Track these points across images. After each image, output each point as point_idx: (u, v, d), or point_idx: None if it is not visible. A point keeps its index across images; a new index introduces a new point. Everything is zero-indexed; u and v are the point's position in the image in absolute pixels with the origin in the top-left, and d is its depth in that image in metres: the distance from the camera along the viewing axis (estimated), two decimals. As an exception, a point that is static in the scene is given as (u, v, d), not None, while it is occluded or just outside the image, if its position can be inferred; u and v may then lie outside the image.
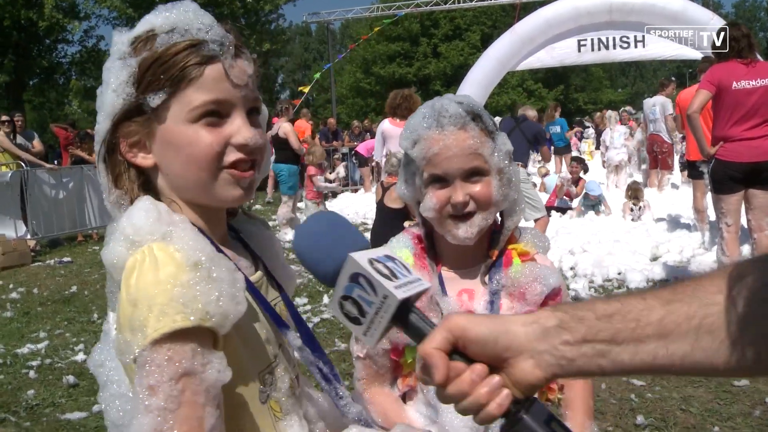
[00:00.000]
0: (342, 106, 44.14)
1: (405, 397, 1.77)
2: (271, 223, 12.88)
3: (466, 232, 1.65)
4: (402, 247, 1.76)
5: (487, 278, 1.72)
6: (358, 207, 14.13)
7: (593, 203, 11.42)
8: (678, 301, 0.85)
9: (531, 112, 9.82)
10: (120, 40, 1.22)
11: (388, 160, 8.43)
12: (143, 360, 1.02)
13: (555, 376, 0.89)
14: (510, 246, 1.78)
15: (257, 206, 16.91)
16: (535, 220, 8.20)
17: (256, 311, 1.27)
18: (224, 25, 1.24)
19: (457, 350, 0.89)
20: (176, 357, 1.02)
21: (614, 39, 17.64)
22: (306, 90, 21.40)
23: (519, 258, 1.75)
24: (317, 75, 22.52)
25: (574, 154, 16.98)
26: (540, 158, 14.59)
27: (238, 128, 1.20)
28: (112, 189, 1.23)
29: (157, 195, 1.24)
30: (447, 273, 1.75)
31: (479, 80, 17.68)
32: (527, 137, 8.73)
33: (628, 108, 25.74)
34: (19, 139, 11.87)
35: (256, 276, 1.33)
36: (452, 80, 40.81)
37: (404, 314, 0.96)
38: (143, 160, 1.22)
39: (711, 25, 15.10)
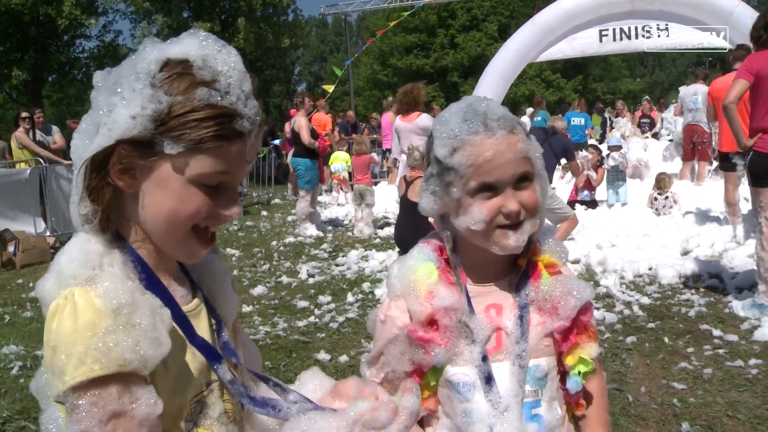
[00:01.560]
0: (359, 99, 44.02)
1: (423, 422, 1.67)
2: (290, 218, 12.89)
3: (517, 241, 1.54)
4: (425, 260, 1.64)
5: (515, 291, 1.63)
6: (380, 201, 14.02)
7: (617, 177, 11.27)
8: None
9: (560, 124, 9.79)
10: (151, 57, 1.18)
11: (410, 154, 8.34)
12: (70, 405, 1.07)
13: None
14: (536, 257, 1.67)
15: (276, 200, 16.86)
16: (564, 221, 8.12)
17: (185, 344, 1.26)
18: (255, 85, 1.26)
19: None
20: (101, 401, 1.07)
21: (636, 29, 17.38)
22: (330, 89, 21.23)
23: (546, 270, 1.65)
24: (339, 72, 22.34)
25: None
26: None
27: (231, 202, 1.24)
28: (86, 201, 1.20)
29: (123, 215, 1.24)
30: (472, 288, 1.64)
31: (499, 72, 17.51)
32: (555, 151, 8.76)
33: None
34: (39, 135, 11.86)
35: (191, 305, 1.33)
36: (470, 71, 40.59)
37: None
38: (127, 186, 1.20)
39: (736, 13, 14.84)
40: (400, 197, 8.04)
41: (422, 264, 1.63)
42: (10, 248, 9.85)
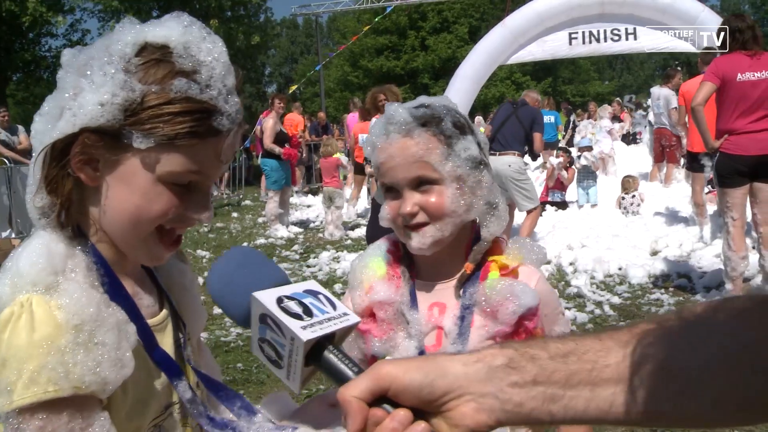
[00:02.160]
0: (329, 100, 43.92)
1: None
2: (261, 220, 12.81)
3: (418, 242, 1.57)
4: (376, 254, 1.70)
5: (461, 292, 1.62)
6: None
7: (587, 176, 11.36)
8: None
9: (533, 95, 9.33)
10: (128, 40, 1.08)
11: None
12: (12, 428, 0.96)
13: (500, 423, 0.78)
14: (491, 257, 1.65)
15: (247, 201, 16.74)
16: (528, 212, 8.15)
17: (147, 361, 1.16)
18: (239, 79, 1.16)
19: (387, 399, 0.78)
20: (50, 426, 0.97)
21: (605, 32, 17.57)
22: (293, 88, 21.32)
23: (499, 271, 1.62)
24: (309, 74, 22.41)
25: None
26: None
27: (201, 205, 1.15)
28: (43, 193, 1.09)
29: (83, 211, 1.14)
30: (421, 284, 1.66)
31: (469, 75, 17.57)
32: (523, 124, 8.37)
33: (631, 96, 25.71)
34: (3, 135, 11.64)
35: (159, 317, 1.23)
36: (440, 73, 40.72)
37: (319, 355, 0.87)
38: (88, 178, 1.10)
39: (701, 17, 15.10)
40: (371, 199, 8.05)
41: (373, 259, 1.69)
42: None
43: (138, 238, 1.12)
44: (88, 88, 1.05)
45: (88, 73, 1.06)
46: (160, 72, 1.06)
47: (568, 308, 6.23)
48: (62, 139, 1.06)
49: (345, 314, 0.94)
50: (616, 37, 17.66)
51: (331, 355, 0.86)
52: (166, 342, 1.22)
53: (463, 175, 1.55)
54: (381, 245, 1.72)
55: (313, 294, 0.96)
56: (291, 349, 0.87)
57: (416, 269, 1.68)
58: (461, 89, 17.76)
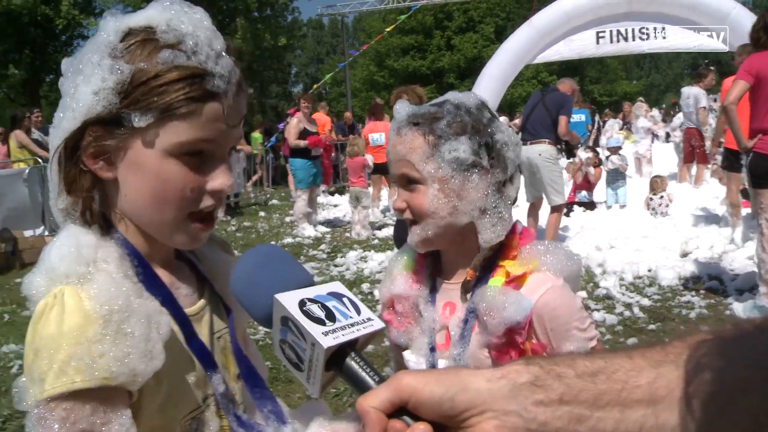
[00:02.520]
0: (355, 100, 44.02)
1: None
2: (288, 219, 12.87)
3: (411, 239, 1.60)
4: (408, 252, 1.74)
5: (468, 295, 1.60)
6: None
7: (617, 177, 11.24)
8: (669, 363, 0.73)
9: (567, 83, 8.69)
10: (111, 29, 1.08)
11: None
12: (38, 415, 0.97)
13: None
14: (503, 262, 1.60)
15: (274, 201, 16.83)
16: (552, 208, 8.11)
17: (185, 350, 1.16)
18: (231, 46, 1.14)
19: (407, 411, 0.75)
20: (73, 416, 0.97)
21: (633, 31, 17.41)
22: (315, 87, 21.51)
23: (504, 276, 1.57)
24: (328, 77, 22.59)
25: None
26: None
27: (218, 173, 1.12)
28: (63, 194, 1.11)
29: (108, 206, 1.14)
30: (446, 284, 1.67)
31: (496, 74, 17.51)
32: (550, 110, 8.01)
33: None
34: (37, 135, 11.82)
35: (196, 306, 1.23)
36: (466, 73, 40.62)
37: (341, 360, 0.85)
38: (104, 172, 1.10)
39: (733, 14, 14.89)
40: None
41: (407, 254, 1.74)
42: (8, 248, 9.82)
43: (167, 221, 1.12)
44: (82, 83, 1.07)
45: (81, 68, 1.08)
46: (146, 50, 1.06)
47: (597, 310, 6.19)
48: (70, 137, 1.08)
49: (369, 319, 0.92)
50: (644, 36, 17.50)
51: (352, 362, 0.85)
52: (203, 332, 1.22)
53: (446, 177, 1.52)
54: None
55: (338, 297, 0.94)
56: (312, 354, 0.86)
57: (441, 267, 1.69)
58: (487, 89, 17.70)
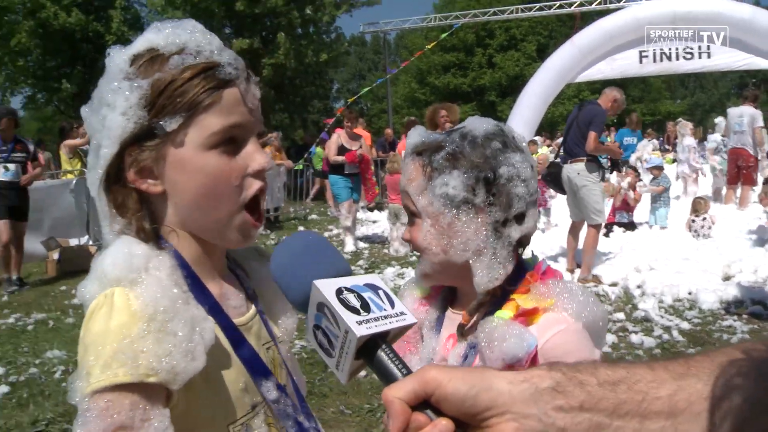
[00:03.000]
0: (396, 116, 44.21)
1: None
2: (327, 234, 12.94)
3: (415, 273, 1.59)
4: None
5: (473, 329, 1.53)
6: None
7: (657, 197, 11.11)
8: (691, 377, 0.73)
9: (609, 95, 8.16)
10: (119, 59, 1.17)
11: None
12: (83, 407, 1.02)
13: None
14: (515, 296, 1.49)
15: (314, 216, 16.96)
16: (590, 226, 8.01)
17: (232, 358, 1.20)
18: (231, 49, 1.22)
19: (430, 404, 0.77)
20: (113, 409, 1.01)
21: (677, 50, 17.21)
22: (351, 100, 21.79)
23: (514, 310, 1.45)
24: (364, 90, 22.87)
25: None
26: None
27: (253, 155, 1.19)
28: (116, 217, 1.17)
29: (158, 221, 1.20)
30: (454, 315, 1.59)
31: (537, 93, 17.43)
32: (581, 127, 7.75)
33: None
34: (86, 148, 12.14)
35: (245, 317, 1.27)
36: (507, 91, 40.51)
37: (372, 352, 0.87)
38: (152, 186, 1.16)
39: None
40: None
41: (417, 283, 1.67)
42: (54, 256, 10.08)
43: (222, 217, 1.18)
44: (108, 112, 1.13)
45: (102, 101, 1.15)
46: (156, 63, 1.14)
47: (635, 332, 6.12)
48: (112, 164, 1.15)
49: (402, 313, 0.93)
50: (689, 56, 17.26)
51: (382, 354, 0.86)
52: (253, 343, 1.25)
53: (436, 213, 1.45)
54: None
55: (374, 289, 0.95)
56: (344, 342, 0.87)
57: (455, 297, 1.62)
58: (529, 107, 17.63)
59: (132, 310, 1.05)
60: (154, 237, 1.18)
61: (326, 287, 0.90)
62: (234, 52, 1.20)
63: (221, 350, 1.16)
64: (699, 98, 65.26)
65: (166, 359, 1.03)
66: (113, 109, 1.13)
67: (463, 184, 1.43)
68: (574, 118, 7.96)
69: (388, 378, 0.84)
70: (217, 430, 1.16)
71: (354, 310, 0.88)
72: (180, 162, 1.14)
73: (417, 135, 1.55)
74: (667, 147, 20.52)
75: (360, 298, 0.92)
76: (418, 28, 32.40)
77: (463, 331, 1.52)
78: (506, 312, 1.45)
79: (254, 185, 1.19)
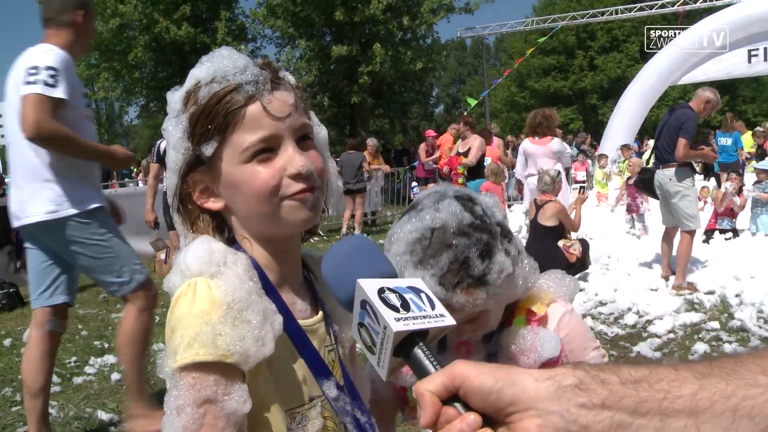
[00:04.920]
0: (496, 120, 43.96)
1: None
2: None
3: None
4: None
5: (488, 337, 1.64)
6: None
7: (758, 203, 10.70)
8: (714, 376, 0.75)
9: (702, 96, 7.81)
10: (173, 99, 1.31)
11: (541, 178, 8.38)
12: (174, 382, 1.15)
13: None
14: (520, 301, 1.68)
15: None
16: (684, 232, 7.82)
17: (295, 353, 1.32)
18: (259, 62, 1.30)
19: (459, 398, 0.80)
20: (199, 384, 1.14)
21: (790, 48, 16.45)
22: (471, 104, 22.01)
23: (525, 316, 1.64)
24: (473, 102, 22.97)
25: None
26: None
27: (290, 158, 1.25)
28: (190, 233, 1.32)
29: (231, 233, 1.35)
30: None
31: (639, 95, 17.09)
32: (672, 133, 7.59)
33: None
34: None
35: (312, 320, 1.38)
36: (609, 94, 39.59)
37: (409, 349, 0.91)
38: (214, 204, 1.31)
39: None
40: (530, 220, 8.11)
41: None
42: (161, 256, 10.71)
43: (269, 211, 1.27)
44: (168, 148, 1.31)
45: (165, 138, 1.32)
46: (194, 98, 1.27)
47: (729, 342, 5.98)
48: (177, 192, 1.32)
49: (441, 315, 0.97)
50: (805, 52, 16.47)
51: (419, 351, 0.90)
52: (315, 344, 1.36)
53: (499, 293, 1.60)
54: None
55: (416, 291, 0.99)
56: (383, 338, 0.92)
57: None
58: (630, 110, 17.30)
59: (213, 297, 1.18)
60: (228, 245, 1.32)
61: (369, 286, 0.96)
62: (260, 66, 1.29)
63: (286, 344, 1.28)
64: (819, 97, 61.49)
65: (240, 343, 1.15)
66: (169, 144, 1.31)
67: (507, 257, 1.55)
68: (665, 122, 7.79)
69: (422, 374, 0.88)
70: (277, 414, 1.28)
71: (394, 308, 0.93)
72: (228, 178, 1.27)
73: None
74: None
75: (401, 298, 0.97)
76: (516, 31, 32.14)
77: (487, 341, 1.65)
78: (520, 318, 1.62)
79: (293, 187, 1.26)
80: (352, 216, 14.13)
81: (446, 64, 59.95)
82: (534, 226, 8.00)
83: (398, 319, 0.91)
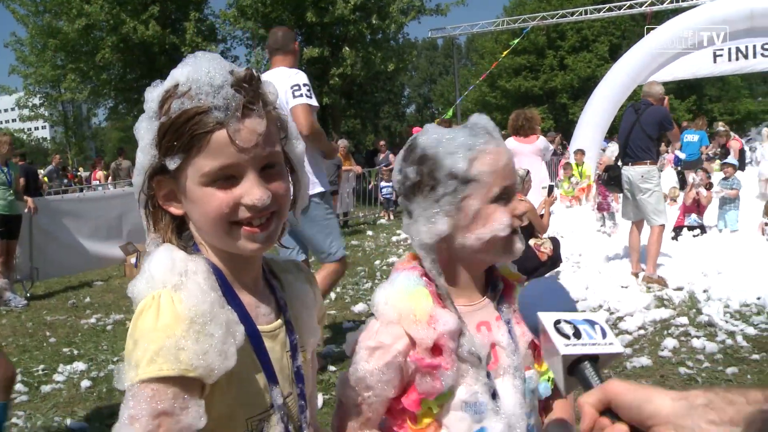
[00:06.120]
0: (466, 121, 44.07)
1: None
2: (395, 239, 13.10)
3: (520, 245, 1.58)
4: (417, 285, 1.60)
5: (499, 307, 1.65)
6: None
7: (727, 200, 10.89)
8: None
9: (656, 90, 8.28)
10: (151, 98, 1.30)
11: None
12: (131, 393, 1.16)
13: None
14: (499, 272, 1.72)
15: (382, 220, 17.15)
16: (653, 227, 7.99)
17: (255, 361, 1.33)
18: (241, 76, 1.27)
19: (611, 410, 0.97)
20: (158, 397, 1.15)
21: (754, 47, 16.71)
22: (437, 122, 22.11)
23: (516, 281, 1.73)
24: (450, 114, 23.13)
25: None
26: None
27: (248, 190, 1.25)
28: (151, 232, 1.35)
29: (190, 237, 1.37)
30: (460, 309, 1.60)
31: (608, 94, 17.24)
32: (647, 131, 7.89)
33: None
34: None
35: (272, 325, 1.40)
36: (579, 93, 39.90)
37: (577, 368, 1.09)
38: (176, 209, 1.33)
39: None
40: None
41: (415, 289, 1.58)
42: (132, 260, 10.61)
43: (221, 234, 1.29)
44: (140, 145, 1.31)
45: (137, 136, 1.32)
46: (165, 105, 1.26)
47: (697, 337, 6.06)
48: (142, 189, 1.33)
49: (611, 344, 1.13)
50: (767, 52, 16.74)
51: (585, 371, 1.08)
52: (275, 348, 1.38)
53: None
54: (411, 275, 1.63)
55: (590, 323, 1.16)
56: (557, 359, 1.10)
57: (452, 296, 1.63)
58: (600, 109, 17.45)
59: (176, 312, 1.19)
60: (185, 247, 1.35)
61: (546, 318, 1.16)
62: (239, 82, 1.27)
63: (246, 352, 1.28)
64: (784, 96, 62.58)
65: (203, 357, 1.17)
66: (139, 144, 1.31)
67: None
68: (635, 120, 7.94)
69: (587, 389, 1.06)
70: (237, 422, 1.31)
71: (565, 336, 1.12)
72: (187, 193, 1.29)
73: (488, 120, 1.67)
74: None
75: (575, 328, 1.14)
76: (487, 32, 32.31)
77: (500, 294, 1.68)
78: (517, 284, 1.70)
79: (243, 214, 1.28)
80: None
81: (417, 64, 60.09)
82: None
83: (567, 345, 1.10)
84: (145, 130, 1.29)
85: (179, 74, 1.28)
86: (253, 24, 24.64)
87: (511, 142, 9.65)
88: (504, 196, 1.56)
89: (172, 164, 1.26)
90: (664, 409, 0.92)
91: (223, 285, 1.32)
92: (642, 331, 6.35)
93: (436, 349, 1.51)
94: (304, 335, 1.48)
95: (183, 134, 1.23)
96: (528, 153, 9.39)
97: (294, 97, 5.04)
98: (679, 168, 16.91)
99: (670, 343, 5.92)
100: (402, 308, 1.55)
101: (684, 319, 6.55)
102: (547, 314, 1.16)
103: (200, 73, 1.25)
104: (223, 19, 25.65)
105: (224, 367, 1.20)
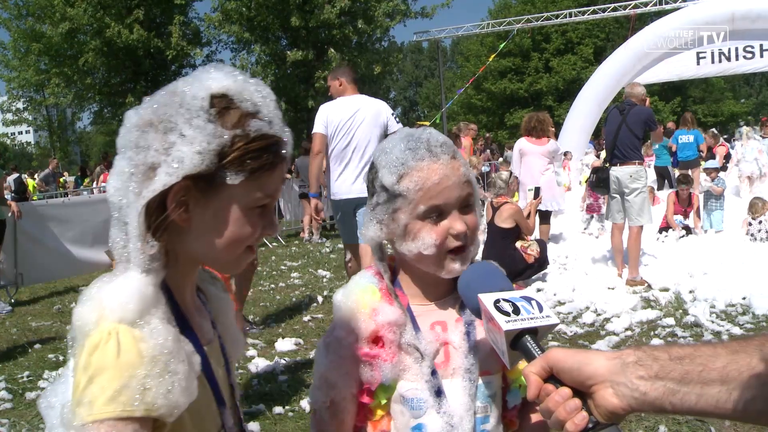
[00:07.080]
0: (452, 123, 44.21)
1: None
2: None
3: (461, 266, 1.54)
4: (367, 282, 1.63)
5: (460, 308, 1.63)
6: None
7: (710, 200, 10.97)
8: (743, 352, 0.95)
9: (638, 91, 8.39)
10: (199, 93, 1.20)
11: (493, 182, 8.48)
12: (80, 431, 1.07)
13: (631, 408, 1.02)
14: None
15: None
16: (633, 227, 8.07)
17: (207, 387, 1.30)
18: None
19: (554, 376, 1.08)
20: None
21: (737, 50, 16.88)
22: (424, 123, 22.08)
23: None
24: (438, 118, 23.14)
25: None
26: None
27: (270, 223, 1.31)
28: (149, 238, 1.19)
29: (169, 244, 1.24)
30: (416, 308, 1.61)
31: (593, 96, 17.35)
32: (634, 131, 8.00)
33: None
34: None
35: (213, 342, 1.38)
36: (564, 95, 40.17)
37: (519, 342, 1.19)
38: (182, 218, 1.21)
39: None
40: (487, 223, 8.16)
41: (365, 285, 1.63)
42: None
43: (233, 257, 1.29)
44: (180, 142, 1.17)
45: (172, 128, 1.19)
46: (234, 116, 1.20)
47: (684, 337, 6.10)
48: (166, 190, 1.18)
49: (547, 316, 1.23)
50: (749, 55, 16.93)
51: (527, 343, 1.18)
52: (216, 366, 1.35)
53: (479, 201, 1.66)
54: (365, 274, 1.68)
55: (527, 299, 1.26)
56: (500, 336, 1.19)
57: (407, 296, 1.64)
58: (584, 111, 17.56)
59: (138, 349, 1.11)
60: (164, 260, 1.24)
61: (487, 298, 1.26)
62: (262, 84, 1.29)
63: (201, 380, 1.24)
64: (765, 96, 63.24)
65: (167, 396, 1.11)
66: (189, 143, 1.18)
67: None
68: (621, 121, 7.99)
69: (530, 360, 1.16)
70: None
71: (506, 314, 1.22)
72: (221, 210, 1.22)
73: (434, 132, 1.64)
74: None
75: (513, 305, 1.24)
76: (472, 34, 32.39)
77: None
78: None
79: (258, 240, 1.31)
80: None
81: (403, 67, 60.12)
82: (492, 229, 8.04)
83: (508, 321, 1.20)
84: (207, 134, 1.18)
85: (228, 84, 1.23)
86: (238, 28, 24.60)
87: (523, 143, 9.98)
88: (432, 215, 1.54)
89: (232, 179, 1.20)
90: (601, 368, 1.03)
91: (176, 312, 1.25)
92: (629, 332, 6.37)
93: (377, 340, 1.55)
94: (232, 346, 1.47)
95: (260, 158, 1.22)
96: (537, 154, 9.79)
97: (396, 122, 6.58)
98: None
99: (656, 343, 5.94)
100: (351, 303, 1.60)
101: (670, 320, 6.58)
102: (487, 295, 1.26)
103: (266, 101, 1.26)
104: (208, 23, 25.59)
105: (188, 402, 1.16)
